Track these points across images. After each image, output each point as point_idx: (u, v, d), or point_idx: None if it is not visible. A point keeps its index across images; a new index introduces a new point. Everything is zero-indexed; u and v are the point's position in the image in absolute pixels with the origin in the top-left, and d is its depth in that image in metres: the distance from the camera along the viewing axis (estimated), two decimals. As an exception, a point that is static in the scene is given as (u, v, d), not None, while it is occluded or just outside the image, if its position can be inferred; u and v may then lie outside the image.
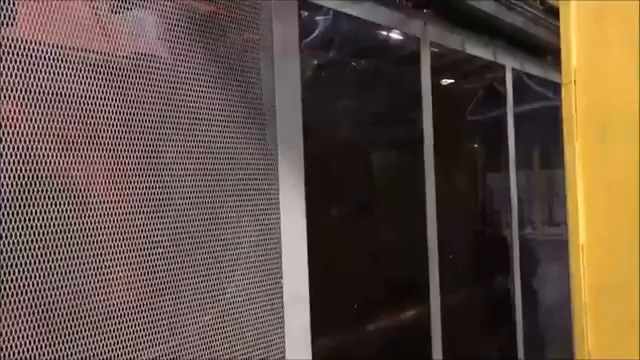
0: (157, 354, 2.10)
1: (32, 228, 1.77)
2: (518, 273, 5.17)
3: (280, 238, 2.63)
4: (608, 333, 1.80)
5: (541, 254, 5.79)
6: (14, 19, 1.77)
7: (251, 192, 2.50)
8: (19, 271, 1.74)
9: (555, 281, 5.44)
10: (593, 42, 1.83)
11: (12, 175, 1.75)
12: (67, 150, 1.88)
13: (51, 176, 1.83)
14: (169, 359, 2.14)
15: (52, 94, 1.85)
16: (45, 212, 1.81)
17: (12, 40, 1.76)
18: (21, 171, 1.76)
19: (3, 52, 1.75)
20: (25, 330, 1.75)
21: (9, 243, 1.72)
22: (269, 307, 2.56)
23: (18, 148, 1.76)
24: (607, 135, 1.79)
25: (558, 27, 1.91)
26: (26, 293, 1.75)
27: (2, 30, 1.74)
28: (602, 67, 1.81)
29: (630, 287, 1.71)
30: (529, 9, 4.82)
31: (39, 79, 1.82)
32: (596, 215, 1.80)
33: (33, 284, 1.77)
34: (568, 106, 1.86)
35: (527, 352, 5.16)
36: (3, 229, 1.72)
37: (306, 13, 3.27)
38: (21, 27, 1.78)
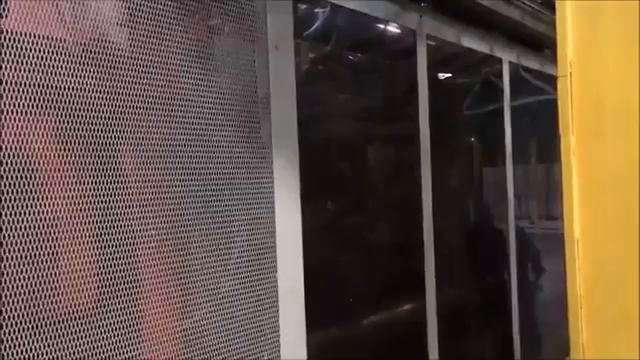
0: (149, 349, 2.09)
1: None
2: (515, 266, 5.17)
3: (275, 232, 2.62)
4: (602, 327, 1.79)
5: (538, 247, 5.79)
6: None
7: (245, 186, 2.49)
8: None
9: (552, 274, 5.44)
10: (588, 35, 1.82)
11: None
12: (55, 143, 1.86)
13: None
14: (164, 357, 2.14)
15: (45, 86, 1.84)
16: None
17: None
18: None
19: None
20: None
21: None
22: (264, 302, 2.55)
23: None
24: (602, 129, 1.78)
25: (555, 20, 1.90)
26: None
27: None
28: (597, 60, 1.80)
29: (624, 281, 1.71)
30: (526, 2, 4.80)
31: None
32: (591, 209, 1.79)
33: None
34: (564, 99, 1.85)
35: (523, 344, 5.16)
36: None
37: (303, 6, 3.26)
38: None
